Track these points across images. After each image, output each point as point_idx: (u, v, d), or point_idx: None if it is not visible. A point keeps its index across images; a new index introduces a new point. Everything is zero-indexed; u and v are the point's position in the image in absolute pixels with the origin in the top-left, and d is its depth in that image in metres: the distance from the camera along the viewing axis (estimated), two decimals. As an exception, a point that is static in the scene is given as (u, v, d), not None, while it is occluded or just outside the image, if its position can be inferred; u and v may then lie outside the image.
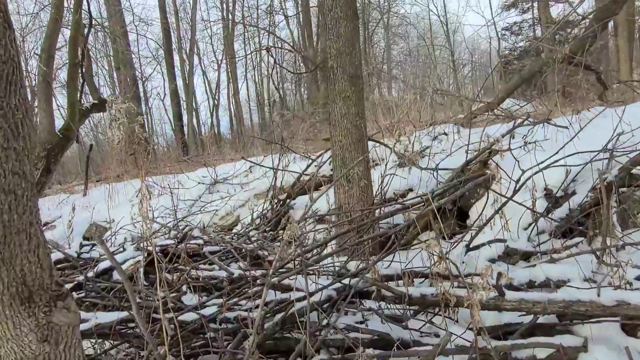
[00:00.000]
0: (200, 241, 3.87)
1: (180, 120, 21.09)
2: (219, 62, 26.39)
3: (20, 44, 18.03)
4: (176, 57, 22.98)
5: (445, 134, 5.57)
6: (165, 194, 5.86)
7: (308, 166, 4.65)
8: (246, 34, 25.54)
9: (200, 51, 26.56)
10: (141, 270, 3.42)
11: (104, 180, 10.01)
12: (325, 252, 3.07)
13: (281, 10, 23.72)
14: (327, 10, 3.68)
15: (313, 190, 4.57)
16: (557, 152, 3.36)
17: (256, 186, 5.03)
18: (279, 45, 18.85)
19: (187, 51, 23.74)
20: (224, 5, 23.76)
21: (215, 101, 26.83)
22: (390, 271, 2.95)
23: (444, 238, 3.72)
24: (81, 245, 4.44)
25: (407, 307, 2.66)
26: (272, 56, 15.33)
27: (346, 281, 2.76)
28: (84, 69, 9.04)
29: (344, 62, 3.67)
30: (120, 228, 5.13)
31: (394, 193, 4.16)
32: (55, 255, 3.97)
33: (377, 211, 3.49)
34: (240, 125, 25.99)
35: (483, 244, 3.46)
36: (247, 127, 26.43)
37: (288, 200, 4.56)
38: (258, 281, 2.82)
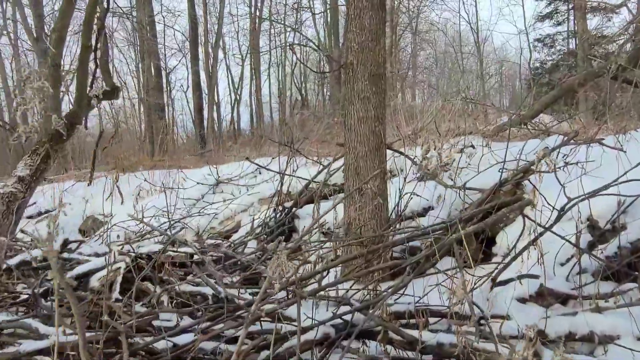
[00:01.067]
0: (190, 250, 3.46)
1: (200, 113, 20.97)
2: (243, 57, 26.20)
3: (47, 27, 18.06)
4: (201, 50, 22.85)
5: (473, 146, 5.07)
6: (169, 189, 5.50)
7: (318, 173, 4.21)
8: (272, 30, 25.29)
9: (225, 46, 26.43)
10: (118, 279, 3.04)
11: (116, 170, 9.71)
12: (326, 278, 2.63)
13: (309, 9, 23.34)
14: (350, -2, 3.25)
15: (320, 200, 4.12)
16: (618, 178, 2.84)
17: (261, 190, 4.62)
18: (304, 44, 18.48)
19: (213, 45, 23.59)
20: (252, 0, 23.52)
21: (238, 96, 26.65)
22: (401, 307, 2.49)
23: (467, 266, 3.23)
24: (66, 243, 4.09)
25: (420, 356, 2.20)
26: (294, 54, 14.95)
27: (348, 316, 2.32)
28: (99, 54, 8.79)
29: (366, 59, 3.22)
30: (114, 225, 4.78)
31: (411, 211, 3.69)
32: (35, 253, 3.63)
33: (391, 231, 3.03)
34: (260, 123, 25.74)
35: (512, 279, 2.97)
36: (267, 125, 26.13)
37: (294, 209, 4.14)
38: (244, 309, 2.39)
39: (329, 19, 22.05)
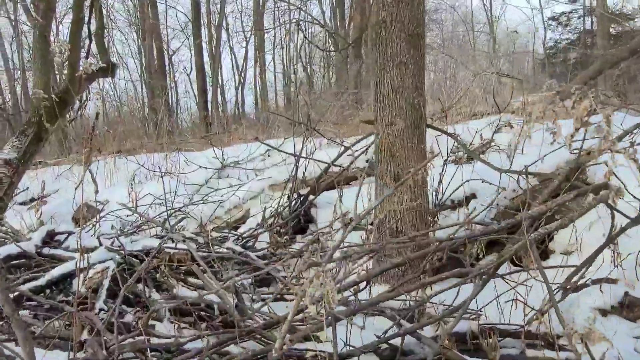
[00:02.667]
0: (193, 245, 2.93)
1: (204, 95, 20.45)
2: (247, 38, 25.50)
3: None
4: (204, 32, 22.18)
5: (511, 125, 4.50)
6: (168, 175, 4.96)
7: (340, 154, 3.64)
8: (277, 11, 24.51)
9: (229, 26, 25.74)
10: (105, 283, 2.52)
11: (125, 152, 9.16)
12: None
13: (314, -14, 22.47)
14: (384, -61, 2.64)
15: (344, 185, 3.59)
16: None
17: (272, 175, 4.06)
18: (310, 21, 17.79)
19: (216, 25, 22.89)
20: (256, -22, 22.66)
21: (242, 79, 26.04)
22: (460, 325, 1.95)
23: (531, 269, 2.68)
24: (52, 235, 3.57)
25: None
26: (301, 31, 14.27)
27: (396, 340, 1.79)
28: (93, 27, 8.19)
29: (402, 15, 2.63)
30: (108, 213, 4.26)
31: (451, 200, 3.14)
32: (11, 249, 3.10)
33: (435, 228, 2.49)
34: (264, 104, 25.16)
35: (586, 285, 2.44)
36: (271, 108, 25.52)
37: (311, 197, 3.59)
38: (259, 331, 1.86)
39: None
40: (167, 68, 23.40)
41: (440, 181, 2.98)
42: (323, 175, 3.66)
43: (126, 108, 22.99)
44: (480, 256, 2.72)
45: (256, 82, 26.42)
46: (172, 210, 3.82)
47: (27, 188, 7.03)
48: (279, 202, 3.57)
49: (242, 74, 26.20)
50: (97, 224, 4.17)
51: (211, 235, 3.24)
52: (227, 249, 3.00)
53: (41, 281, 2.60)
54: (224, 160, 4.85)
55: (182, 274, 2.83)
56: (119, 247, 2.96)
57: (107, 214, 4.24)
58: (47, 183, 7.41)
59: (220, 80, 24.45)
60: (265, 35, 24.13)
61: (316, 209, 3.61)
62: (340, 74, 18.57)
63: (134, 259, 2.77)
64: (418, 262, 2.18)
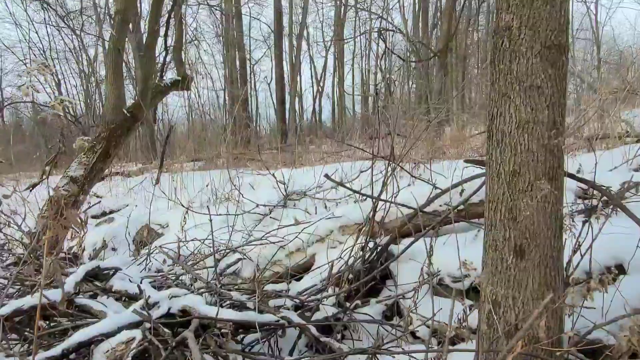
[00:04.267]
0: (235, 315, 2.33)
1: (282, 105, 20.55)
2: (327, 47, 25.42)
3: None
4: (286, 42, 22.43)
5: (657, 161, 3.43)
6: (229, 202, 4.48)
7: (430, 200, 2.82)
8: (357, 20, 24.14)
9: (309, 37, 25.89)
10: (123, 366, 1.98)
11: (204, 167, 9.03)
12: None
13: (397, -4, 21.78)
14: None
15: (437, 232, 2.82)
16: None
17: (345, 213, 3.37)
18: (392, 29, 17.08)
19: (297, 36, 23.00)
20: (338, -11, 22.44)
21: (320, 88, 25.96)
22: None
23: None
24: (96, 273, 3.17)
25: None
26: (383, 40, 13.57)
27: None
28: (170, 40, 8.11)
29: (537, 18, 1.83)
30: (160, 246, 3.83)
31: (585, 272, 2.26)
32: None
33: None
34: (342, 115, 24.84)
35: None
36: (348, 118, 25.13)
37: (392, 248, 2.86)
38: None
39: (416, 7, 20.33)
40: (249, 77, 23.93)
41: (579, 247, 2.11)
42: (407, 224, 2.91)
43: (209, 117, 23.75)
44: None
45: (334, 91, 26.28)
46: (226, 251, 3.29)
47: (100, 201, 7.01)
48: (350, 252, 2.88)
49: (321, 83, 26.11)
50: (148, 258, 3.76)
51: (264, 292, 2.63)
52: (281, 317, 2.37)
53: (55, 351, 2.14)
54: (288, 194, 4.22)
55: (222, 349, 2.24)
56: (155, 305, 2.45)
57: (160, 246, 3.81)
58: (118, 196, 7.36)
59: (299, 90, 24.57)
60: (345, 45, 23.89)
61: (396, 263, 2.88)
62: (420, 86, 17.62)
63: (165, 328, 2.22)
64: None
